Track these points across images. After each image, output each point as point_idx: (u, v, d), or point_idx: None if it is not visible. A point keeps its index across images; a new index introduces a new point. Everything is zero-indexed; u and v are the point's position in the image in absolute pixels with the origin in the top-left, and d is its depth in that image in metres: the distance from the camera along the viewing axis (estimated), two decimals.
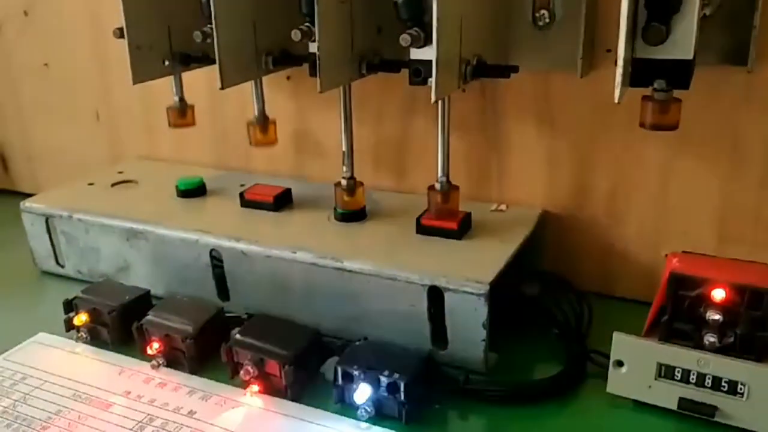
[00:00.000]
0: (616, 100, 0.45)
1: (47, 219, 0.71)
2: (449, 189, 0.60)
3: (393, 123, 0.69)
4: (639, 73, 0.47)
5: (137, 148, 0.85)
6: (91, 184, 0.76)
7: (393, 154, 0.71)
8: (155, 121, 0.82)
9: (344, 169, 0.63)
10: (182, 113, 0.70)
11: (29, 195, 0.75)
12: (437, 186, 0.60)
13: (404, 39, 0.49)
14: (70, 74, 0.86)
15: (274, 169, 0.77)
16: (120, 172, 0.78)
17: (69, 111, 0.88)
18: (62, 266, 0.72)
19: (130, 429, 0.50)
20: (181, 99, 0.69)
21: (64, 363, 0.58)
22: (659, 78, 0.47)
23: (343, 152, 0.62)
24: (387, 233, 0.62)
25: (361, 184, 0.64)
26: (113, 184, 0.75)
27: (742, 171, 0.57)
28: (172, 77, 0.68)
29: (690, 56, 0.46)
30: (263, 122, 0.67)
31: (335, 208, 0.65)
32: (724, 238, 0.59)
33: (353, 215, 0.64)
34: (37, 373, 0.57)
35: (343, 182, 0.63)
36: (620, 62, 0.44)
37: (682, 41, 0.46)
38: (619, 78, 0.45)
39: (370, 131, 0.70)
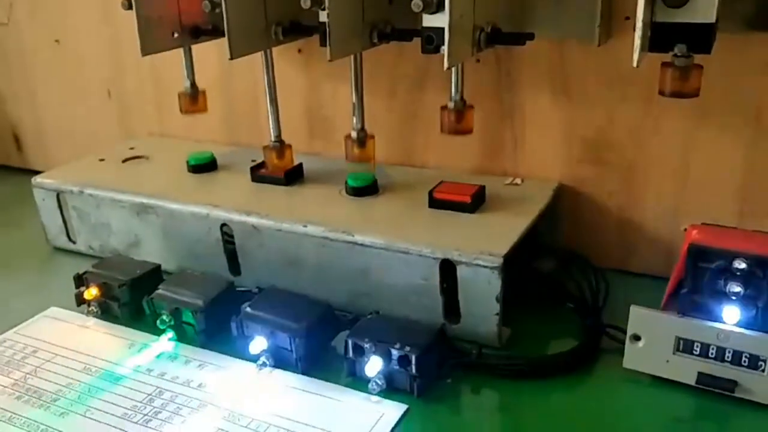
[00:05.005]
0: (635, 65, 0.43)
1: (58, 195, 0.71)
2: (464, 107, 0.58)
3: (405, 98, 0.68)
4: (658, 37, 0.45)
5: (148, 124, 0.84)
6: (102, 159, 0.75)
7: (405, 129, 0.69)
8: (166, 98, 0.81)
9: (354, 121, 0.61)
10: (194, 99, 0.69)
11: (42, 173, 0.74)
12: (450, 105, 0.58)
13: (416, 4, 0.48)
14: (82, 51, 0.85)
15: None
16: (131, 148, 0.78)
17: (80, 88, 0.87)
18: (74, 242, 0.72)
19: (140, 401, 0.50)
20: (193, 84, 0.69)
21: (74, 337, 0.58)
22: (680, 42, 0.45)
23: (353, 104, 0.61)
24: (399, 207, 0.61)
25: (372, 136, 0.62)
26: (124, 160, 0.75)
27: (766, 141, 0.56)
28: (183, 59, 0.67)
29: (712, 20, 0.44)
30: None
31: (347, 182, 0.64)
32: (746, 212, 0.58)
33: (365, 189, 0.63)
34: (48, 347, 0.57)
35: (354, 134, 0.62)
36: (639, 25, 0.43)
37: (704, 4, 0.44)
38: (637, 41, 0.43)
39: (381, 106, 0.69)
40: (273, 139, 0.65)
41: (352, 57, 0.58)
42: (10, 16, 0.88)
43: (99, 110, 0.87)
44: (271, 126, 0.65)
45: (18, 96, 0.93)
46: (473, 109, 0.57)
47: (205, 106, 0.70)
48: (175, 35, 0.63)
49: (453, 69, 0.56)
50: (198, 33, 0.65)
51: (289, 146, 0.65)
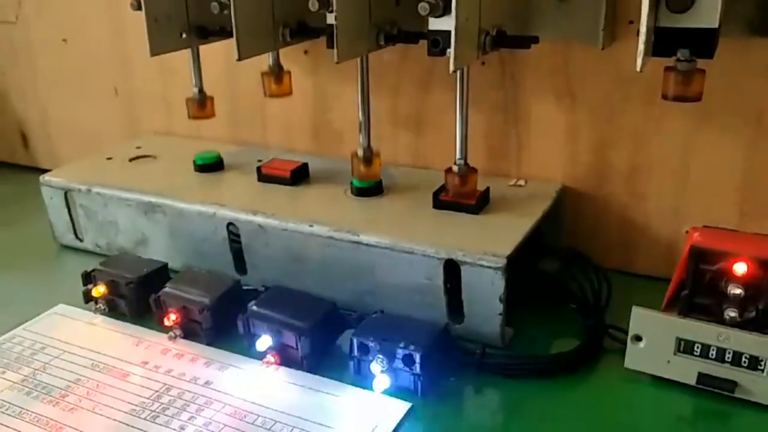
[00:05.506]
0: (638, 69, 0.44)
1: (66, 193, 0.71)
2: (467, 172, 0.59)
3: (410, 98, 0.69)
4: (662, 42, 0.46)
5: (155, 123, 0.85)
6: (109, 158, 0.76)
7: (410, 130, 0.70)
8: (173, 97, 0.82)
9: (361, 139, 0.62)
10: (202, 105, 0.70)
11: (49, 171, 0.75)
12: (455, 168, 0.59)
13: (423, 7, 0.49)
14: (89, 50, 0.86)
15: (290, 144, 0.76)
16: (138, 147, 0.78)
17: (87, 87, 0.88)
18: (81, 240, 0.73)
19: (148, 398, 0.51)
20: (201, 90, 0.69)
21: (82, 334, 0.59)
22: (683, 47, 0.46)
23: (360, 122, 0.62)
24: (403, 207, 0.62)
25: (378, 154, 0.63)
26: (131, 159, 0.76)
27: (766, 143, 0.56)
28: (191, 62, 0.68)
29: (715, 25, 0.45)
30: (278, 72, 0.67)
31: (352, 183, 0.64)
32: (747, 214, 0.58)
33: (370, 190, 0.64)
34: (57, 343, 0.57)
35: (360, 152, 0.63)
36: (643, 30, 0.44)
37: (707, 9, 0.45)
38: (641, 46, 0.44)
39: (387, 106, 0.69)
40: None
41: (358, 59, 0.59)
42: (18, 15, 0.89)
43: (105, 108, 0.88)
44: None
45: (25, 94, 0.94)
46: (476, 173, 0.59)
47: (213, 111, 0.70)
48: (183, 36, 0.64)
49: (458, 71, 0.56)
50: (206, 33, 0.65)
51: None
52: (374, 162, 0.63)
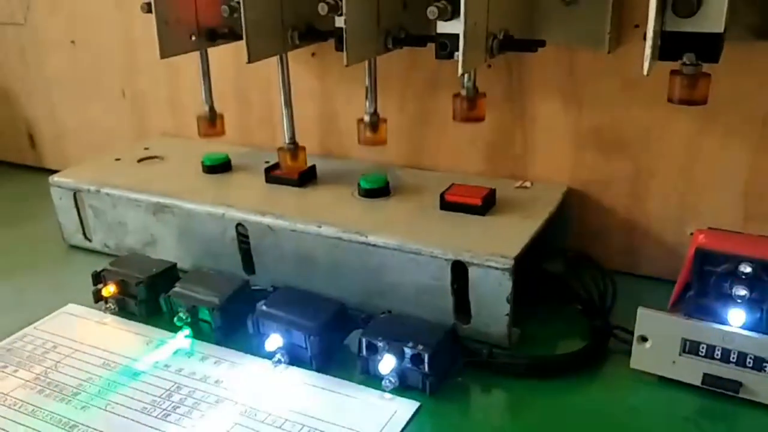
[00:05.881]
0: (645, 73, 0.45)
1: (75, 193, 0.72)
2: (475, 95, 0.58)
3: (416, 101, 0.69)
4: (668, 46, 0.46)
5: (162, 125, 0.86)
6: (118, 159, 0.77)
7: (416, 132, 0.71)
8: (180, 99, 0.83)
9: (367, 105, 0.62)
10: (212, 123, 0.71)
11: (56, 171, 0.76)
12: (463, 92, 0.58)
13: (431, 11, 0.49)
14: (97, 52, 0.87)
15: None
16: (146, 149, 0.79)
17: (95, 88, 0.89)
18: (90, 240, 0.73)
19: (159, 396, 0.51)
20: (211, 108, 0.70)
21: (93, 333, 0.59)
22: (689, 52, 0.46)
23: (366, 87, 0.61)
24: (411, 209, 0.62)
25: (385, 120, 0.63)
26: (140, 160, 0.76)
27: None
28: (201, 79, 0.69)
29: (721, 29, 0.45)
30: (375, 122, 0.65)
31: (359, 184, 0.65)
32: (751, 216, 0.59)
33: (377, 191, 0.64)
34: (68, 342, 0.58)
35: (366, 118, 0.62)
36: (649, 34, 0.44)
37: (713, 14, 0.45)
38: (648, 51, 0.44)
39: (393, 109, 0.70)
40: (287, 141, 0.66)
41: (366, 61, 0.59)
42: (27, 17, 0.89)
43: (113, 109, 0.88)
44: (285, 128, 0.66)
45: (33, 95, 0.94)
46: (485, 97, 0.58)
47: (223, 129, 0.71)
48: (193, 38, 0.65)
49: (465, 74, 0.57)
50: (215, 36, 0.66)
51: (303, 148, 0.67)
52: (380, 127, 0.62)
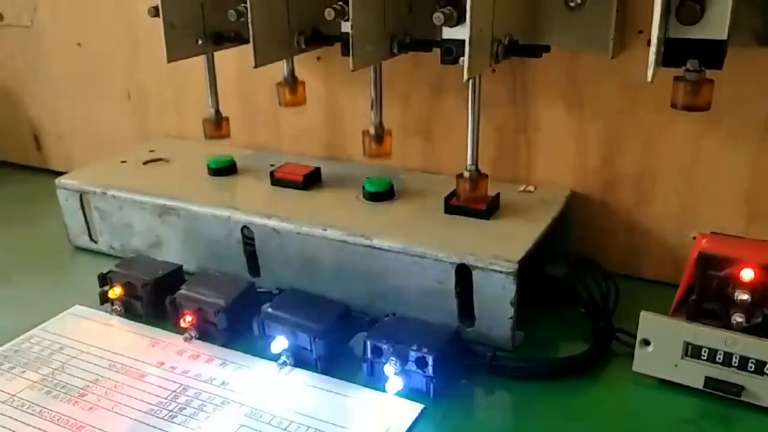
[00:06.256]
0: (649, 80, 0.45)
1: (81, 195, 0.72)
2: (478, 177, 0.60)
3: (421, 104, 0.70)
4: (672, 52, 0.47)
5: (167, 127, 0.86)
6: (123, 161, 0.77)
7: (420, 135, 0.71)
8: (185, 101, 0.83)
9: (373, 116, 0.63)
10: (218, 126, 0.71)
11: (61, 173, 0.76)
12: (466, 174, 0.60)
13: (437, 17, 0.50)
14: (102, 54, 0.87)
15: (303, 149, 0.77)
16: (151, 151, 0.80)
17: (100, 90, 0.89)
18: (95, 242, 0.74)
19: (165, 398, 0.52)
20: (217, 111, 0.71)
21: (99, 334, 0.60)
22: (692, 58, 0.47)
23: (372, 99, 0.62)
24: (415, 212, 0.63)
25: (389, 132, 0.63)
26: (145, 162, 0.77)
27: None
28: (207, 83, 0.69)
29: (724, 36, 0.46)
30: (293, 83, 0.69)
31: (364, 187, 0.65)
32: (754, 220, 0.59)
33: (381, 195, 0.65)
34: (74, 344, 0.58)
35: (372, 130, 0.63)
36: (653, 41, 0.45)
37: (716, 21, 0.46)
38: (652, 57, 0.45)
39: (397, 112, 0.70)
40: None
41: (372, 73, 0.60)
42: (33, 19, 0.90)
43: (118, 111, 0.89)
44: None
45: (38, 97, 0.95)
46: (487, 179, 0.60)
47: (229, 132, 0.72)
48: (199, 42, 0.65)
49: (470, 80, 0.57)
50: (221, 40, 0.66)
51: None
52: (386, 140, 0.63)
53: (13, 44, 0.93)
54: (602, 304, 0.59)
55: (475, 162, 0.60)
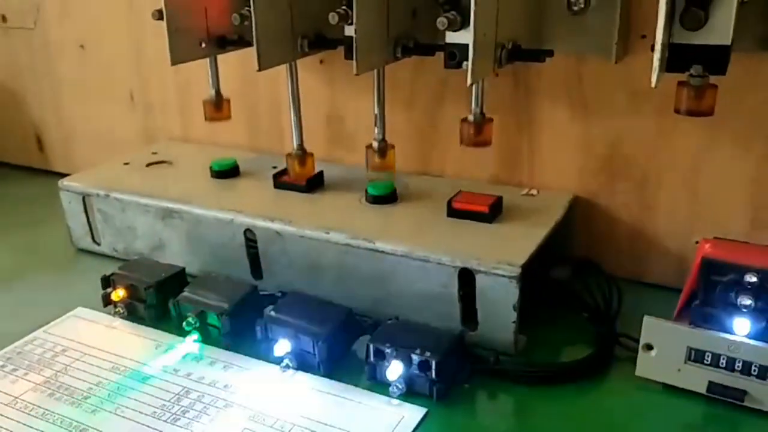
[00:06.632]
0: (653, 85, 0.45)
1: (84, 197, 0.72)
2: (482, 120, 0.58)
3: (424, 108, 0.70)
4: (676, 58, 0.47)
5: (170, 129, 0.86)
6: (126, 164, 0.77)
7: (423, 139, 0.71)
8: (188, 103, 0.83)
9: (376, 131, 0.63)
10: (218, 107, 0.71)
11: (63, 174, 0.76)
12: (471, 118, 0.58)
13: (441, 22, 0.50)
14: (106, 56, 0.87)
15: None
16: (154, 153, 0.80)
17: (104, 92, 0.89)
18: (98, 244, 0.74)
19: (168, 401, 0.52)
20: (218, 92, 0.71)
21: (102, 337, 0.60)
22: (696, 63, 0.47)
23: (375, 114, 0.62)
24: (418, 216, 0.63)
25: (392, 146, 0.64)
26: (148, 165, 0.77)
27: None
28: (209, 67, 0.69)
29: (728, 42, 0.46)
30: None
31: (367, 190, 0.65)
32: (757, 225, 0.59)
33: (384, 198, 0.65)
34: (77, 346, 0.58)
35: (375, 144, 0.63)
36: (657, 47, 0.45)
37: (720, 27, 0.46)
38: (656, 63, 0.45)
39: (400, 116, 0.70)
40: (295, 147, 0.67)
41: (375, 86, 0.60)
42: (36, 21, 0.90)
43: (121, 114, 0.89)
44: (293, 134, 0.67)
45: (42, 98, 0.95)
46: (492, 122, 0.59)
47: (229, 113, 0.71)
48: (203, 45, 0.65)
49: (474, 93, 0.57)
50: (224, 43, 0.66)
51: (311, 155, 0.67)
52: (388, 153, 0.64)
53: (17, 46, 0.93)
54: (605, 308, 0.59)
55: (480, 106, 0.57)
